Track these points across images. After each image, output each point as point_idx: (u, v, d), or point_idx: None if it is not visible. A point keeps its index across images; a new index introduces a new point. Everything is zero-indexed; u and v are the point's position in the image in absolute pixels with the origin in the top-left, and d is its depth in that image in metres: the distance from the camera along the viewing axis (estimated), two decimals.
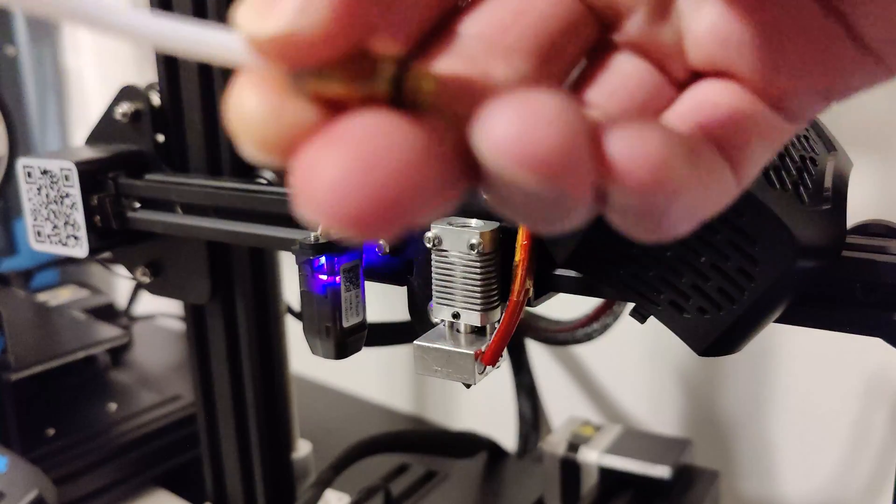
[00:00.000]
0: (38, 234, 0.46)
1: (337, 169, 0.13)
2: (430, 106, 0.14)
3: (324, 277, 0.33)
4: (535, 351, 0.68)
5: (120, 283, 0.97)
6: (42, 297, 0.81)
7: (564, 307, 0.43)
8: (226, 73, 0.45)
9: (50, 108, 1.04)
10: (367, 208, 0.13)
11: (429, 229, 0.32)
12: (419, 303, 0.34)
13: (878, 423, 0.56)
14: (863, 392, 0.56)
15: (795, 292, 0.27)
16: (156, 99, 0.46)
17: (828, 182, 0.27)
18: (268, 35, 0.14)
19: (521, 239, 0.29)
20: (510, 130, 0.13)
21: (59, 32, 1.03)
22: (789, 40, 0.16)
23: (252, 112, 0.14)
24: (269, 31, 0.14)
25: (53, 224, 0.45)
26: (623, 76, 0.18)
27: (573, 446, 0.51)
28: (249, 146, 0.14)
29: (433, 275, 0.32)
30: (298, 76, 0.14)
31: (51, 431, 0.60)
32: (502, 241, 0.31)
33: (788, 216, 0.25)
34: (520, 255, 0.29)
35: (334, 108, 0.14)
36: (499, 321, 0.30)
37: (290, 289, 0.48)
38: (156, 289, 0.49)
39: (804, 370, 0.58)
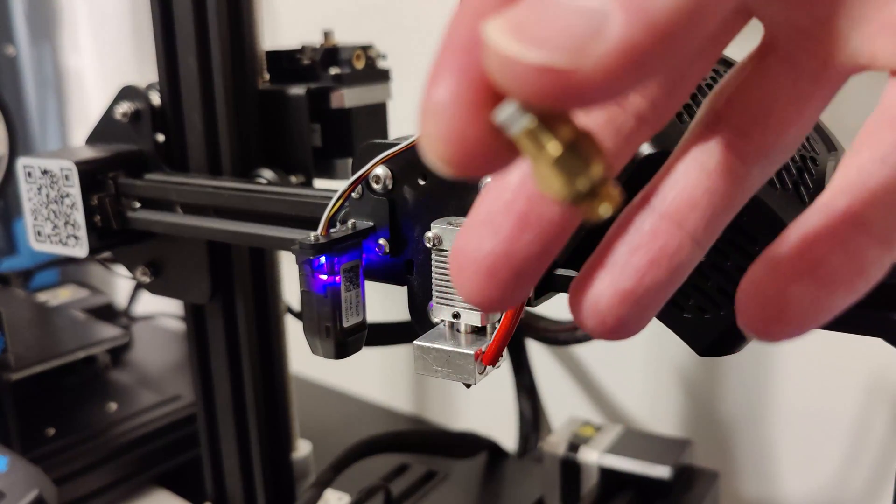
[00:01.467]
0: (38, 233, 0.46)
1: (486, 261, 0.16)
2: (589, 219, 0.14)
3: (324, 277, 0.33)
4: (535, 351, 0.68)
5: (120, 283, 0.97)
6: (42, 297, 0.81)
7: (564, 307, 0.43)
8: (226, 72, 0.45)
9: (50, 108, 1.04)
10: (495, 300, 0.17)
11: (429, 229, 0.32)
12: (419, 303, 0.34)
13: (878, 424, 0.56)
14: (863, 392, 0.56)
15: None
16: (156, 99, 0.46)
17: (828, 182, 0.27)
18: (532, 63, 0.13)
19: None
20: (593, 315, 0.18)
21: (59, 32, 1.03)
22: None
23: (441, 110, 0.14)
24: (535, 59, 0.13)
25: (53, 224, 0.45)
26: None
27: (573, 446, 0.51)
28: (425, 137, 0.14)
29: (433, 275, 0.32)
30: (516, 112, 0.14)
31: (51, 431, 0.60)
32: None
33: (788, 216, 0.25)
34: None
35: (511, 150, 0.14)
36: (499, 321, 0.30)
37: (290, 289, 0.48)
38: (156, 289, 0.49)
39: (804, 370, 0.58)
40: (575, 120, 0.14)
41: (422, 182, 0.33)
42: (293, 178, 0.47)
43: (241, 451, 0.52)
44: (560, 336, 0.55)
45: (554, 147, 0.14)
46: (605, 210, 0.14)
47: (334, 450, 0.52)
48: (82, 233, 0.44)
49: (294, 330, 0.47)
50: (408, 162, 0.33)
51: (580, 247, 0.29)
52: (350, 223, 0.35)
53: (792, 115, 0.17)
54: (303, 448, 0.57)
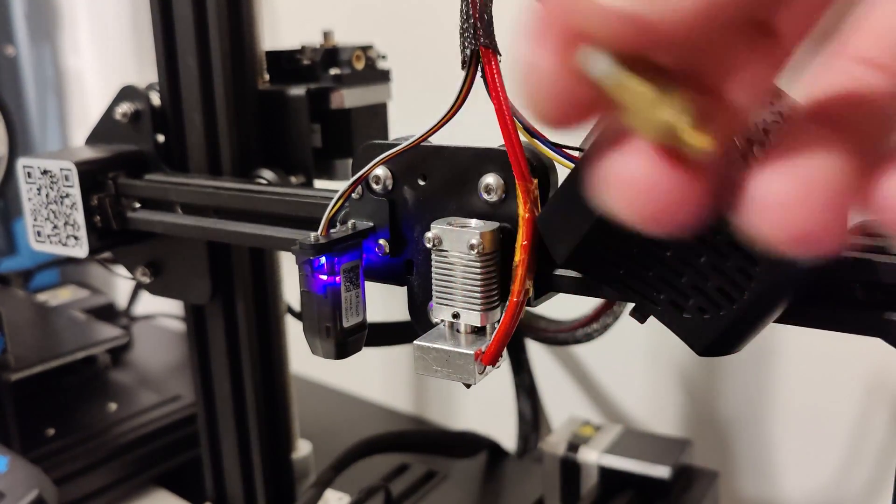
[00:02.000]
0: (38, 234, 0.46)
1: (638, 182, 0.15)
2: (687, 155, 0.15)
3: (324, 277, 0.33)
4: (535, 351, 0.68)
5: (120, 283, 0.97)
6: (42, 297, 0.81)
7: (564, 307, 0.43)
8: (226, 73, 0.45)
9: (50, 108, 1.04)
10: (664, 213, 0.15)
11: (429, 229, 0.32)
12: (419, 303, 0.34)
13: (878, 423, 0.56)
14: (863, 392, 0.56)
15: (795, 292, 0.27)
16: (156, 99, 0.47)
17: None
18: (619, 10, 0.13)
19: (521, 239, 0.29)
20: (778, 215, 0.14)
21: (59, 32, 1.03)
22: None
23: (538, 67, 0.15)
24: (621, 6, 0.13)
25: (53, 224, 0.45)
26: None
27: (573, 446, 0.51)
28: (527, 96, 0.16)
29: (433, 275, 0.32)
30: (605, 61, 0.15)
31: (51, 431, 0.60)
32: (502, 242, 0.31)
33: None
34: (520, 256, 0.29)
35: (602, 99, 0.15)
36: (499, 321, 0.30)
37: (290, 289, 0.48)
38: (156, 289, 0.49)
39: (804, 370, 0.58)
40: (660, 62, 0.15)
41: (422, 182, 0.33)
42: (293, 179, 0.47)
43: (241, 451, 0.52)
44: (560, 336, 0.55)
45: (643, 89, 0.15)
46: (702, 141, 0.15)
47: (334, 450, 0.52)
48: (82, 233, 0.44)
49: (294, 330, 0.47)
50: (408, 162, 0.33)
51: (579, 247, 0.29)
52: (350, 223, 0.35)
53: None
54: (303, 448, 0.57)
